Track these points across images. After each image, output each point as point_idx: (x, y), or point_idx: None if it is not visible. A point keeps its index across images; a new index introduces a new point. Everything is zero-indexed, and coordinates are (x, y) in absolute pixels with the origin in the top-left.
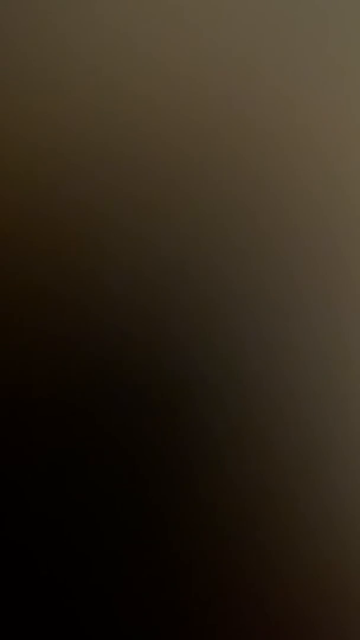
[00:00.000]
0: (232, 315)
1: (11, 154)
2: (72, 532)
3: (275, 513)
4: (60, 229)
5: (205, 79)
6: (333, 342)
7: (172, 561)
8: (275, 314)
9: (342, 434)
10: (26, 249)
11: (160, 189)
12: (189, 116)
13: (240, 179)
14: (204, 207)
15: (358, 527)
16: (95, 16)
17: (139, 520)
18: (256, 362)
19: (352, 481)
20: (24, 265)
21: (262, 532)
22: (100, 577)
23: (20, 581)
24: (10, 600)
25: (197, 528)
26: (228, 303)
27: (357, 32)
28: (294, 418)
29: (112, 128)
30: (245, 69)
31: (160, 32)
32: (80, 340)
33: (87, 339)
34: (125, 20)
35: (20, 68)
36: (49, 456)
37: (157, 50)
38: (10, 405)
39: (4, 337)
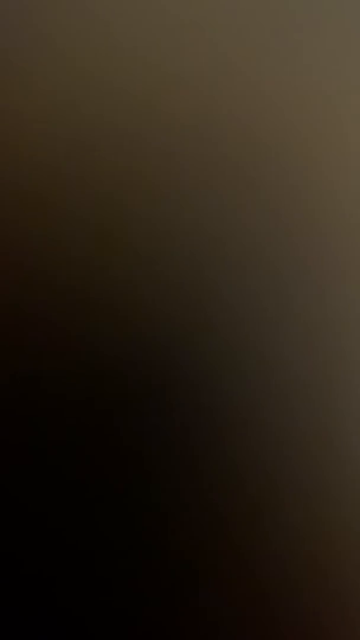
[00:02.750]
0: (232, 317)
1: (10, 154)
2: (70, 526)
3: (278, 504)
4: (59, 229)
5: (205, 80)
6: (332, 343)
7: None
8: (274, 315)
9: (342, 428)
10: (27, 247)
11: (159, 194)
12: (189, 119)
13: (239, 182)
14: (203, 211)
15: (357, 520)
16: (96, 15)
17: (139, 512)
18: (255, 358)
19: (353, 472)
20: (25, 264)
21: (266, 523)
22: (101, 571)
23: (19, 581)
24: (9, 600)
25: (199, 524)
26: (226, 306)
27: (357, 33)
28: (294, 414)
29: (111, 131)
30: (246, 70)
31: (160, 33)
32: (80, 333)
33: (88, 333)
34: (125, 20)
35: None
36: (48, 440)
37: (157, 51)
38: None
39: (4, 336)
